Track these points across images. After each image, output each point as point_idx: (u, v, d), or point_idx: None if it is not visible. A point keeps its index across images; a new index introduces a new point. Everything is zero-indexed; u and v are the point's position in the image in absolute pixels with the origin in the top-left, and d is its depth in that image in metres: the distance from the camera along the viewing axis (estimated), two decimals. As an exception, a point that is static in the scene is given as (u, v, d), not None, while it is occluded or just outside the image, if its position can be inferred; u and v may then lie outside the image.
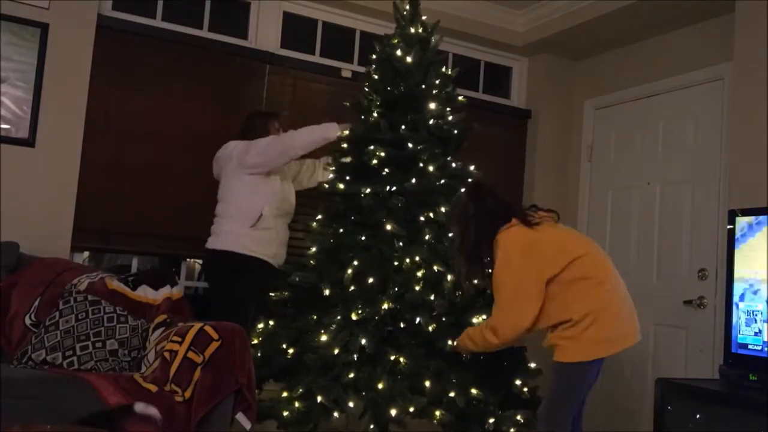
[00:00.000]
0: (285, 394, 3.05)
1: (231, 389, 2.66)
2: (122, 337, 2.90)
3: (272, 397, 3.04)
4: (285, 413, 2.96)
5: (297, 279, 3.18)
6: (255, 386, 2.76)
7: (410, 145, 3.26)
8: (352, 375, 2.97)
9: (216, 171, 3.56)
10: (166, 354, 2.66)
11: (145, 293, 3.15)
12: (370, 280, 3.06)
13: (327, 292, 3.12)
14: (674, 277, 4.09)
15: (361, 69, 4.26)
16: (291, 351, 3.16)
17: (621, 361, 4.35)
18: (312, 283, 3.18)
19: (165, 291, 3.20)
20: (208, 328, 2.70)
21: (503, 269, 2.64)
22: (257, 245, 3.35)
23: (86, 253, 3.94)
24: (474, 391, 2.98)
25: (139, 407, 2.30)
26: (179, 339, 2.67)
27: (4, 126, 3.40)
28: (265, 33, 4.18)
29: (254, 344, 3.22)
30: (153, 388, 2.59)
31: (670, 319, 4.06)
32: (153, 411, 2.32)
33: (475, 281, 2.80)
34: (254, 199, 3.36)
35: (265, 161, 3.37)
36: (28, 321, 2.97)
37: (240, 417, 2.73)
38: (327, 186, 3.40)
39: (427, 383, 2.92)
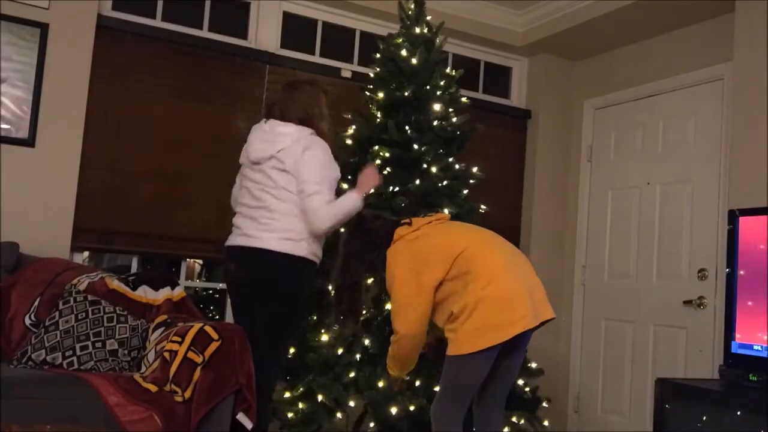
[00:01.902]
0: (287, 394, 3.05)
1: (231, 389, 2.66)
2: (122, 337, 2.90)
3: (275, 398, 3.03)
4: (289, 415, 2.96)
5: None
6: (255, 386, 2.76)
7: (416, 146, 3.26)
8: (352, 374, 2.97)
9: (258, 154, 2.95)
10: (166, 354, 2.66)
11: (146, 293, 3.15)
12: (370, 280, 3.05)
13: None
14: (674, 277, 4.09)
15: (361, 69, 4.26)
16: (293, 351, 3.16)
17: (621, 360, 4.35)
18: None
19: (165, 292, 3.20)
20: (208, 328, 2.70)
21: (390, 286, 2.64)
22: (320, 251, 3.00)
23: (86, 253, 3.94)
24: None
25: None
26: (179, 339, 2.67)
27: (4, 126, 3.39)
28: (265, 33, 4.18)
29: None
30: (153, 388, 2.59)
31: (670, 319, 4.06)
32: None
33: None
34: None
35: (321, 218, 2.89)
36: (27, 321, 2.97)
37: (240, 417, 2.73)
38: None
39: (417, 382, 2.92)
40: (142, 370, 2.84)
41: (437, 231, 2.70)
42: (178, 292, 3.25)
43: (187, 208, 3.83)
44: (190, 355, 2.63)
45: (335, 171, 2.97)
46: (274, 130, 2.96)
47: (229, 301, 3.94)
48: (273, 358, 2.90)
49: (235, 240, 2.98)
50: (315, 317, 3.17)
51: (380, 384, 2.92)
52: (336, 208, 2.89)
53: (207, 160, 3.84)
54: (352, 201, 2.94)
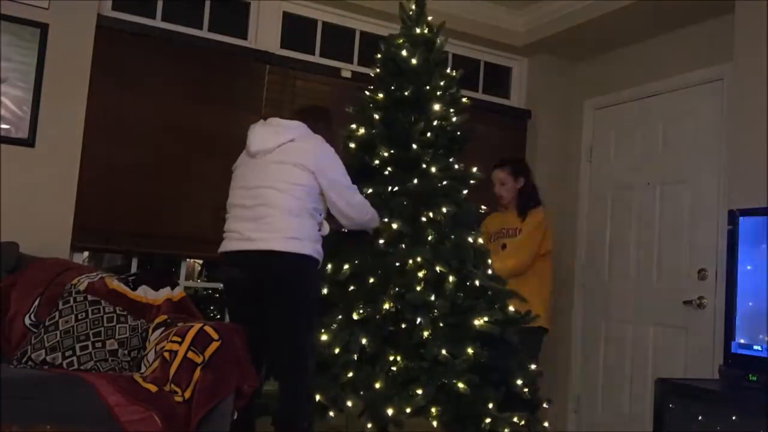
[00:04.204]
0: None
1: (231, 389, 2.66)
2: (122, 337, 2.90)
3: (267, 392, 3.02)
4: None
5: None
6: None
7: (415, 146, 3.27)
8: (350, 375, 2.96)
9: (260, 146, 2.86)
10: (166, 354, 2.66)
11: (146, 294, 3.15)
12: (371, 280, 3.06)
13: (326, 291, 3.11)
14: (674, 277, 4.09)
15: (361, 69, 4.26)
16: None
17: (621, 360, 4.35)
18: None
19: (165, 292, 3.19)
20: (207, 328, 2.69)
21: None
22: (321, 250, 2.91)
23: (86, 253, 3.94)
24: (462, 387, 2.96)
25: None
26: (179, 339, 2.66)
27: (3, 126, 3.39)
28: (265, 33, 4.18)
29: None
30: (153, 388, 2.58)
31: (670, 319, 4.06)
32: None
33: None
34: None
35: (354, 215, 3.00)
36: (27, 321, 2.97)
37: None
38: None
39: (419, 391, 2.91)
40: (142, 370, 2.83)
41: None
42: (178, 292, 3.25)
43: (186, 208, 3.83)
44: (190, 355, 2.63)
45: None
46: (278, 123, 2.94)
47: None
48: (302, 360, 2.82)
49: (232, 245, 2.84)
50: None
51: (377, 385, 2.91)
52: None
53: (207, 160, 3.84)
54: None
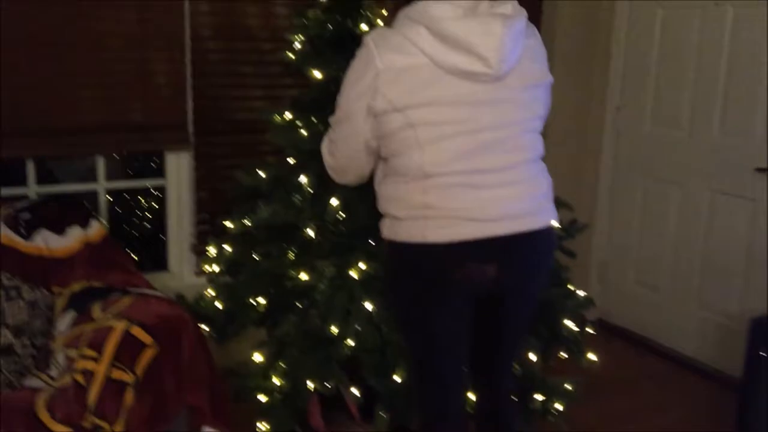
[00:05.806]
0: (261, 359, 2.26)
1: (180, 408, 1.89)
2: (18, 322, 2.03)
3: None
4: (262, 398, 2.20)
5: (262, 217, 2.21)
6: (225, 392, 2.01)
7: None
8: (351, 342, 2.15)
9: (503, 56, 1.63)
10: (79, 377, 1.81)
11: (46, 242, 2.22)
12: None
13: (311, 233, 2.20)
14: (744, 133, 3.20)
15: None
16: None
17: (661, 227, 3.60)
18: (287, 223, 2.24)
19: (75, 233, 2.26)
20: (135, 330, 1.84)
21: None
22: (411, 231, 1.88)
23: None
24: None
25: None
26: (94, 354, 1.81)
27: None
28: None
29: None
30: (65, 430, 1.77)
31: (735, 187, 3.25)
32: None
33: None
34: None
35: None
36: None
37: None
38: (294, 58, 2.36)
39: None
40: (51, 372, 2.00)
41: None
42: (97, 230, 2.32)
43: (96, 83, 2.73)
44: (115, 374, 1.80)
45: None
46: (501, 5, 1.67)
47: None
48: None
49: (480, 230, 1.70)
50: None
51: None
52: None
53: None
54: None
